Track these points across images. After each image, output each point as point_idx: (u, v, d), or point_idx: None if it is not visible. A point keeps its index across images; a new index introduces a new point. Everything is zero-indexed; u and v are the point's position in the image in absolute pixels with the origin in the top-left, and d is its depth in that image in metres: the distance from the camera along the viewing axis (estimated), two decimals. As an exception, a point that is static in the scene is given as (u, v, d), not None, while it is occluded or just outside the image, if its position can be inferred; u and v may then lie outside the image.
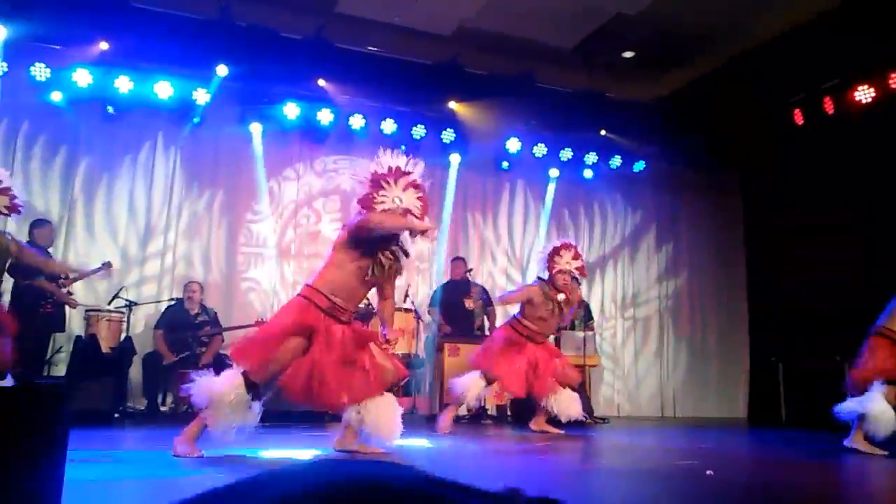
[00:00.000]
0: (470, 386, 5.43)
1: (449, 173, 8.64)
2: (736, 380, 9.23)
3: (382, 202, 3.69)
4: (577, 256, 5.59)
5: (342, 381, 3.55)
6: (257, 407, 3.52)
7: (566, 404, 5.42)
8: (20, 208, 4.48)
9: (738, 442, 5.85)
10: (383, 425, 3.60)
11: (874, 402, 4.50)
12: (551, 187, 8.99)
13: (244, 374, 3.48)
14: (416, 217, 3.69)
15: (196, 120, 7.40)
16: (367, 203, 3.72)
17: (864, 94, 7.39)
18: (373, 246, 3.63)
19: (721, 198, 9.55)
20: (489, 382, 5.54)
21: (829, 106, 7.75)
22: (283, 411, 5.17)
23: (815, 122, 7.93)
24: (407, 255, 3.67)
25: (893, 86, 7.15)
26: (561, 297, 5.45)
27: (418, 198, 3.77)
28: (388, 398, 3.72)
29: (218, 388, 3.43)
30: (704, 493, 2.93)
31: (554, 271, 5.52)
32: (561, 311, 5.57)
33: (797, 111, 8.09)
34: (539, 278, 5.70)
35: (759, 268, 9.12)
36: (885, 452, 4.52)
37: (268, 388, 3.60)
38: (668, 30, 7.22)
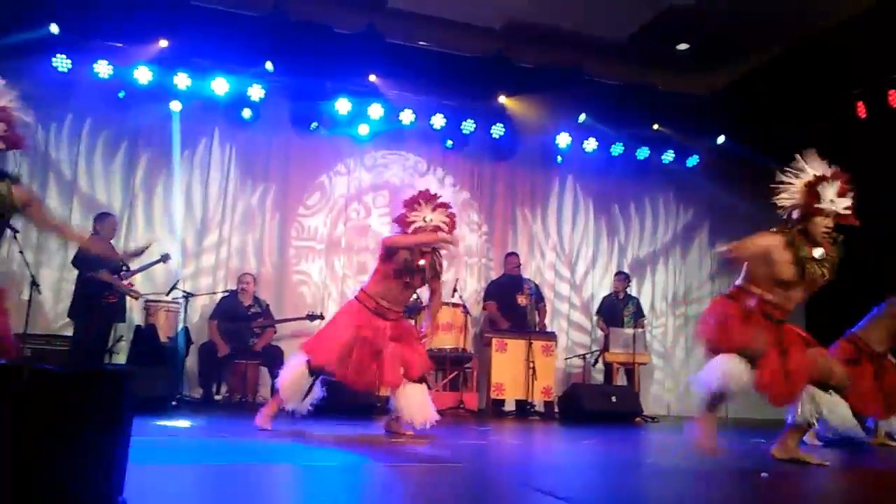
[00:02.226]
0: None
1: (497, 167, 8.62)
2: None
3: (414, 221, 4.26)
4: (843, 192, 3.58)
5: (381, 368, 4.13)
6: (318, 388, 4.24)
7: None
8: (22, 141, 3.34)
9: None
10: (415, 411, 4.11)
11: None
12: (602, 182, 8.88)
13: (307, 361, 4.15)
14: (446, 233, 4.25)
15: (249, 115, 7.56)
16: (400, 221, 4.33)
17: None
18: (406, 257, 4.22)
19: (776, 193, 9.28)
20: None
21: (894, 99, 7.45)
22: (344, 403, 5.27)
23: (878, 116, 7.64)
24: (440, 266, 4.37)
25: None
26: (819, 252, 3.50)
27: (447, 215, 4.31)
28: (418, 387, 4.20)
29: (287, 373, 4.19)
30: (758, 496, 2.87)
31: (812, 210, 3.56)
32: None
33: (860, 104, 7.80)
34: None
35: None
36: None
37: (325, 373, 4.21)
38: (722, 21, 7.05)
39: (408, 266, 4.20)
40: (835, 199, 3.51)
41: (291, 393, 4.15)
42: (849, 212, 3.53)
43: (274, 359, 6.85)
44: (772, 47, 7.51)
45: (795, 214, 3.58)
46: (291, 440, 4.03)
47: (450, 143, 8.28)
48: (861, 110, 7.80)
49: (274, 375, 6.78)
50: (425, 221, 4.21)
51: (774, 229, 3.62)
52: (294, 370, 4.17)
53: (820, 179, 3.53)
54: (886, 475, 3.91)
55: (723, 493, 3.00)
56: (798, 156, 3.66)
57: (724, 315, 3.59)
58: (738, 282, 3.69)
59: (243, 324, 6.80)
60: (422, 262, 4.21)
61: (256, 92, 7.40)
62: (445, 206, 4.32)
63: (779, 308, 3.55)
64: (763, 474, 3.23)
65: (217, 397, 6.74)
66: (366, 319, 4.18)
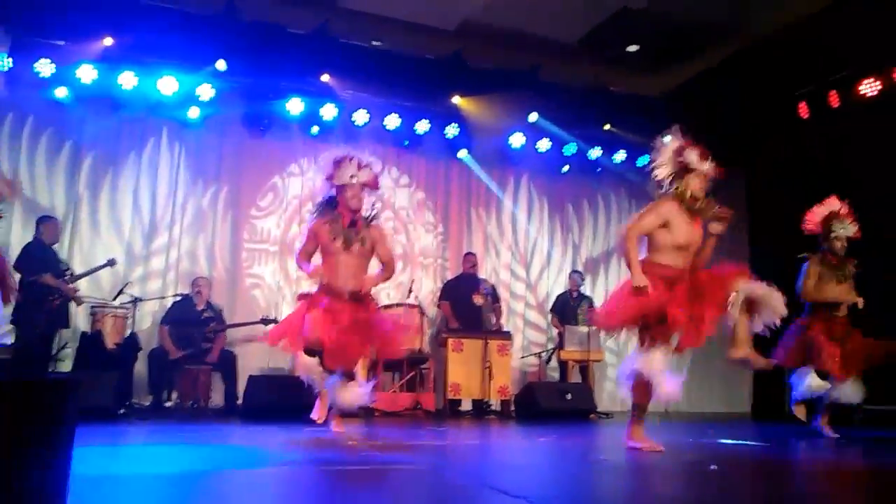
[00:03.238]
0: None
1: (452, 168, 8.64)
2: (740, 375, 9.21)
3: (341, 178, 4.30)
4: (705, 157, 4.10)
5: (356, 340, 4.13)
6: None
7: None
8: None
9: (742, 436, 5.86)
10: (345, 396, 4.14)
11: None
12: (555, 182, 8.98)
13: (299, 351, 4.15)
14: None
15: (198, 115, 7.41)
16: (329, 179, 4.37)
17: (869, 87, 7.36)
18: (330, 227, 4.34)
19: (725, 192, 9.49)
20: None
21: (834, 99, 7.72)
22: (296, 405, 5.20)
23: (820, 116, 7.91)
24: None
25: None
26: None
27: (372, 174, 4.41)
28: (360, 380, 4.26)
29: (302, 371, 4.25)
30: (707, 488, 2.94)
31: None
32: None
33: (802, 104, 8.06)
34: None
35: (763, 263, 9.06)
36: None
37: (315, 347, 4.12)
38: (673, 23, 7.20)
39: (335, 233, 4.25)
40: (700, 161, 4.01)
41: (312, 376, 4.20)
42: (713, 171, 4.05)
43: (227, 364, 6.74)
44: (720, 50, 7.70)
45: (670, 180, 4.07)
46: (245, 444, 3.96)
47: (406, 143, 8.26)
48: (803, 110, 8.06)
49: (227, 381, 6.71)
50: (351, 179, 4.27)
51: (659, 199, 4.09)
52: (303, 369, 4.22)
53: (684, 146, 4.05)
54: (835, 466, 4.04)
55: (674, 487, 3.05)
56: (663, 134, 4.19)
57: (616, 295, 4.03)
58: (642, 256, 4.00)
59: (196, 329, 6.67)
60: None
61: (206, 91, 7.26)
62: (370, 166, 4.40)
63: (673, 269, 3.91)
64: (713, 466, 3.30)
65: (168, 404, 6.58)
66: (326, 301, 4.17)
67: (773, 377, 8.62)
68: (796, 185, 8.33)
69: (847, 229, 5.24)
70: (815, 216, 5.36)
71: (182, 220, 7.52)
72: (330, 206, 4.37)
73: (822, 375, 5.13)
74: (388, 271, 4.51)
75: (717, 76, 8.02)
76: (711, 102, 8.33)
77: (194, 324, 6.68)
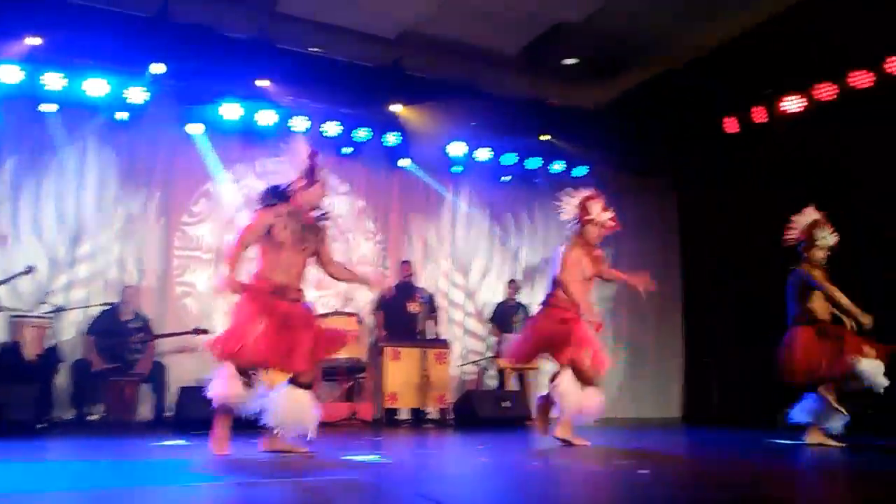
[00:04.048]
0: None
1: (392, 176, 8.62)
2: (672, 381, 9.46)
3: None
4: (605, 208, 4.92)
5: (297, 344, 3.86)
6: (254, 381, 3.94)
7: None
8: None
9: (673, 441, 6.00)
10: (290, 417, 3.84)
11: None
12: (495, 191, 9.05)
13: (229, 362, 3.86)
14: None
15: (129, 118, 7.16)
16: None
17: (791, 104, 7.70)
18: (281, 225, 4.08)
19: (658, 203, 9.79)
20: None
21: (760, 115, 8.05)
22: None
23: (747, 131, 8.23)
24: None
25: (819, 96, 7.46)
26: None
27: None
28: (299, 391, 3.88)
29: (218, 384, 3.86)
30: (636, 493, 2.99)
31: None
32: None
33: (730, 120, 8.38)
34: None
35: (694, 272, 9.38)
36: (842, 444, 4.89)
37: (249, 364, 3.89)
38: (608, 39, 7.38)
39: (291, 227, 3.98)
40: (601, 213, 4.81)
41: (230, 399, 3.85)
42: (612, 222, 4.88)
43: (157, 376, 6.52)
44: (653, 65, 7.92)
45: (574, 225, 4.88)
46: (173, 459, 3.83)
47: (347, 150, 8.19)
48: (730, 125, 8.38)
49: (156, 393, 6.49)
50: (320, 174, 4.14)
51: (570, 242, 4.89)
52: (222, 378, 3.85)
53: (588, 198, 4.83)
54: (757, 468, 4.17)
55: (603, 492, 3.10)
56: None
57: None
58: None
59: (122, 339, 6.43)
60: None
61: (138, 94, 7.03)
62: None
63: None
64: (642, 471, 3.36)
65: (92, 418, 6.32)
66: (265, 302, 3.87)
67: (703, 382, 8.91)
68: (726, 197, 8.64)
69: (829, 238, 5.20)
70: (797, 225, 5.33)
71: (110, 227, 7.25)
72: (280, 197, 4.05)
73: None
74: (332, 271, 4.30)
75: (651, 90, 8.25)
76: (644, 116, 8.57)
77: (121, 334, 6.44)
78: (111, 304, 6.69)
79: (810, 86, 7.51)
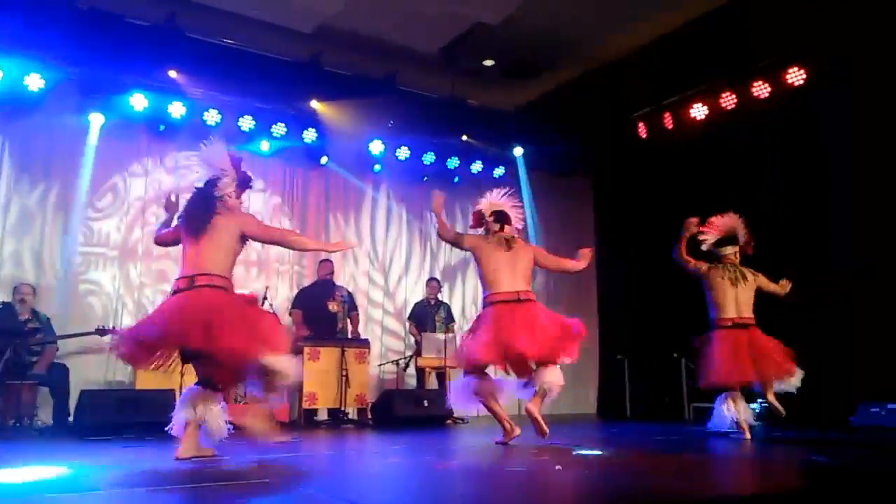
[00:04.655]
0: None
1: (310, 173, 8.47)
2: (587, 377, 9.70)
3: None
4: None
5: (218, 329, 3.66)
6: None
7: None
8: None
9: (588, 437, 6.15)
10: (213, 424, 3.77)
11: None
12: (414, 190, 9.04)
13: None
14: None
15: (26, 107, 6.73)
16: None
17: (698, 111, 8.04)
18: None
19: (575, 204, 10.02)
20: None
21: (668, 121, 8.36)
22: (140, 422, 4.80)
23: (657, 136, 8.53)
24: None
25: (723, 105, 7.82)
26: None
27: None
28: (207, 392, 3.81)
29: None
30: (550, 488, 3.03)
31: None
32: None
33: (641, 124, 8.67)
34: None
35: (608, 271, 9.65)
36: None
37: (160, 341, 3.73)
38: (526, 41, 7.48)
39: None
40: (493, 224, 4.99)
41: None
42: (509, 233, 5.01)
43: (57, 379, 6.16)
44: (570, 68, 8.10)
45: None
46: (73, 464, 3.62)
47: (264, 146, 7.98)
48: (642, 130, 8.67)
49: (57, 397, 6.12)
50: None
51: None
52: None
53: (489, 208, 5.01)
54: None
55: (517, 488, 3.13)
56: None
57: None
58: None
59: (19, 340, 6.04)
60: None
61: (35, 81, 6.63)
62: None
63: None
64: (557, 466, 3.42)
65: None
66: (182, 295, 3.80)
67: (615, 379, 9.17)
68: (641, 198, 8.93)
69: (737, 238, 5.57)
70: (714, 225, 5.57)
71: (4, 221, 6.80)
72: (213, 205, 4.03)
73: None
74: None
75: (567, 93, 8.45)
76: (561, 118, 8.76)
77: (16, 335, 6.05)
78: (5, 302, 6.28)
79: (716, 94, 7.85)
